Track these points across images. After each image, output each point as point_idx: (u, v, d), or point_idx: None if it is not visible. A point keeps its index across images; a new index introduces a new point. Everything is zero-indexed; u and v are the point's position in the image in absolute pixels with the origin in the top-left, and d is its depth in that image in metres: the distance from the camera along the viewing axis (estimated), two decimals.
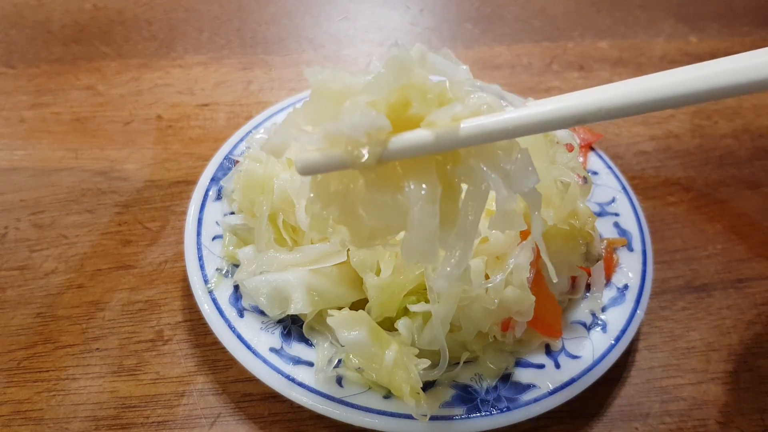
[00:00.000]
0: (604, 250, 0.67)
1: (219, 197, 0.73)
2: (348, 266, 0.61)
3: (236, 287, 0.65)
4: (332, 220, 0.45)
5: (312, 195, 0.44)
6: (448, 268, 0.43)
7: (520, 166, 0.42)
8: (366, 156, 0.39)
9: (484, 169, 0.42)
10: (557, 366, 0.61)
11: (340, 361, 0.60)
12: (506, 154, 0.42)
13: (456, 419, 0.56)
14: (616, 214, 0.76)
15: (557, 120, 0.40)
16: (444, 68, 0.44)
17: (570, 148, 0.61)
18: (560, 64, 1.11)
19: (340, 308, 0.58)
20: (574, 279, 0.67)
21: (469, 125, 0.40)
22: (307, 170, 0.41)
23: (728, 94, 0.38)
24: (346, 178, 0.43)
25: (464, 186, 0.43)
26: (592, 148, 0.83)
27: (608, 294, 0.68)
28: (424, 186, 0.41)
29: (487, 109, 0.41)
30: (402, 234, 0.44)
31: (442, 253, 0.43)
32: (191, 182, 0.82)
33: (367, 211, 0.43)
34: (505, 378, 0.60)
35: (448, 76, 0.43)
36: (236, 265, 0.66)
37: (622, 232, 0.74)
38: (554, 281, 0.52)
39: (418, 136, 0.40)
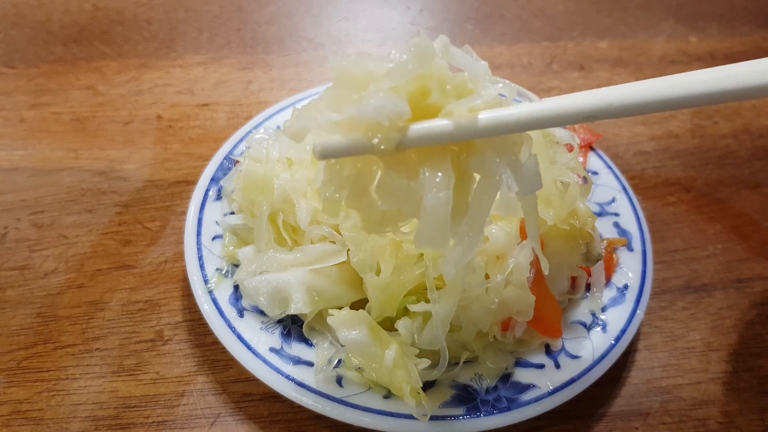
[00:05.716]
0: (604, 250, 0.67)
1: (219, 197, 0.73)
2: (348, 266, 0.61)
3: (236, 287, 0.65)
4: (344, 204, 0.45)
5: (325, 178, 0.44)
6: (457, 256, 0.43)
7: (529, 167, 0.43)
8: (386, 141, 0.40)
9: (498, 161, 0.43)
10: (557, 366, 0.61)
11: (340, 361, 0.60)
12: (517, 154, 0.44)
13: (456, 419, 0.56)
14: (616, 214, 0.76)
15: (569, 114, 0.41)
16: (465, 62, 0.45)
17: (570, 148, 0.61)
18: (560, 64, 1.11)
19: (340, 308, 0.58)
20: (574, 279, 0.67)
21: (486, 116, 0.41)
22: (327, 154, 0.41)
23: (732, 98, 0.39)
24: (360, 163, 0.43)
25: (476, 177, 0.44)
26: (592, 148, 0.83)
27: (608, 294, 0.68)
28: (439, 174, 0.41)
29: (503, 102, 0.42)
30: (411, 223, 0.44)
31: (452, 242, 0.44)
32: (191, 182, 0.82)
33: (381, 195, 0.43)
34: (505, 378, 0.60)
35: (467, 69, 0.44)
36: (236, 265, 0.66)
37: (622, 232, 0.74)
38: (545, 273, 0.52)
39: (437, 124, 0.41)
